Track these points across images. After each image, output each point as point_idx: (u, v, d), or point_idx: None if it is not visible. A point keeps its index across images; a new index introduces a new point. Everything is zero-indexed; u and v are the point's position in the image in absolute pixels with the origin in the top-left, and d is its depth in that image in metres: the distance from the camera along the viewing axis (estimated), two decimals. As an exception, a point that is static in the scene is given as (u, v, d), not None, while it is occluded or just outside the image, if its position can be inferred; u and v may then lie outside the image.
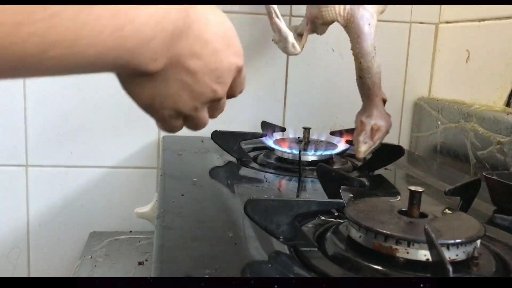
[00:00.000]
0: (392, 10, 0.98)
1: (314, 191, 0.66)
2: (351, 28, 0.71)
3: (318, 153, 0.76)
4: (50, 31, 0.28)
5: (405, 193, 0.45)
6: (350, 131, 0.86)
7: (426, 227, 0.38)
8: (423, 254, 0.39)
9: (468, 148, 0.82)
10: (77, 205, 0.97)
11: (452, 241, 0.40)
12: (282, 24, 0.73)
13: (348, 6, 0.71)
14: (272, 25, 0.74)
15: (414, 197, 0.44)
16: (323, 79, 0.99)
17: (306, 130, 0.82)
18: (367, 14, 0.71)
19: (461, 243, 0.40)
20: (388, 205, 0.47)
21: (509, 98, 0.80)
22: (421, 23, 1.00)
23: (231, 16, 1.00)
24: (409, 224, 0.43)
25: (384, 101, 0.73)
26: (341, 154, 0.81)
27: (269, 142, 0.80)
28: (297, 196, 0.64)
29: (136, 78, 0.43)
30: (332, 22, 0.74)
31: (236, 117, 0.98)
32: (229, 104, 1.08)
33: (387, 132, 0.73)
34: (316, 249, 0.43)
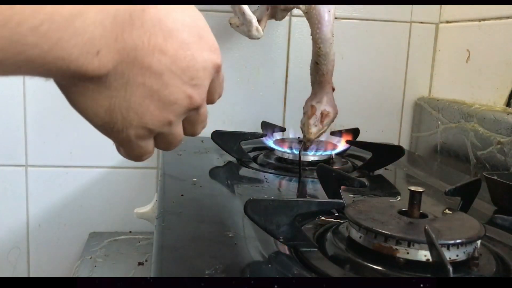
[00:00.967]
0: (392, 10, 0.98)
1: (314, 192, 0.66)
2: (311, 14, 0.72)
3: (318, 153, 0.76)
4: None
5: (405, 193, 0.45)
6: (350, 131, 0.86)
7: (426, 227, 0.38)
8: (423, 255, 0.39)
9: (468, 148, 0.82)
10: (77, 205, 0.97)
11: (452, 242, 0.40)
12: (246, 7, 0.74)
13: None
14: (235, 8, 0.75)
15: (414, 197, 0.44)
16: (323, 79, 0.99)
17: (306, 130, 0.82)
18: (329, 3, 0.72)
19: (461, 244, 0.40)
20: (388, 206, 0.47)
21: (509, 98, 0.80)
22: (421, 23, 1.00)
23: (231, 15, 1.00)
24: (409, 225, 0.43)
25: (333, 90, 0.75)
26: (341, 154, 0.81)
27: (269, 142, 0.80)
28: (297, 197, 0.64)
29: (84, 85, 0.32)
30: (293, 7, 0.76)
31: (236, 117, 0.98)
32: (229, 104, 1.08)
33: (333, 119, 0.75)
34: (316, 249, 0.43)
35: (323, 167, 0.58)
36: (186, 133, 0.39)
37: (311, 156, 0.76)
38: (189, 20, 0.34)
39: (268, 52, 0.97)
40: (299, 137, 0.83)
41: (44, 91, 0.92)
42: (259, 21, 0.76)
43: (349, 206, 0.47)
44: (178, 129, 0.38)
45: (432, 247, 0.37)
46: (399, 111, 1.03)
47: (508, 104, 0.79)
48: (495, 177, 0.59)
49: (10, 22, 0.25)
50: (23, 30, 0.25)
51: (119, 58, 0.31)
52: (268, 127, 0.86)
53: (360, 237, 0.42)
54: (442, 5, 0.99)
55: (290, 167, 0.74)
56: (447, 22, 0.98)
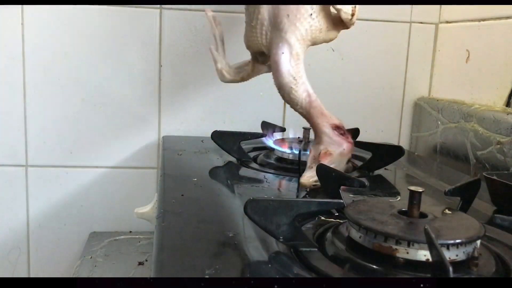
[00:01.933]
0: (392, 10, 0.98)
1: (314, 192, 0.66)
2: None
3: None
4: None
5: (405, 193, 0.45)
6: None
7: (426, 227, 0.38)
8: (423, 254, 0.39)
9: (468, 148, 0.82)
10: (77, 205, 0.97)
11: (452, 241, 0.40)
12: (213, 49, 0.72)
13: (269, 34, 0.66)
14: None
15: (414, 197, 0.44)
16: (323, 79, 0.99)
17: (306, 130, 0.82)
18: (284, 43, 0.64)
19: (461, 243, 0.40)
20: (388, 205, 0.47)
21: (509, 98, 0.80)
22: (421, 23, 1.00)
23: (232, 15, 1.00)
24: (409, 224, 0.43)
25: (336, 126, 0.67)
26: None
27: (269, 142, 0.80)
28: (297, 197, 0.64)
29: None
30: (260, 51, 0.70)
31: (236, 117, 0.98)
32: (229, 104, 1.09)
33: (342, 155, 0.66)
34: (316, 249, 0.43)
35: (323, 167, 0.58)
36: None
37: (311, 156, 0.75)
38: None
39: (268, 52, 0.97)
40: (299, 137, 0.84)
41: (44, 91, 0.92)
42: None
43: (349, 206, 0.47)
44: None
45: (432, 247, 0.37)
46: (399, 111, 1.03)
47: (507, 104, 0.80)
48: (494, 177, 0.59)
49: None
50: None
51: None
52: (268, 127, 0.86)
53: (360, 237, 0.42)
54: (442, 5, 0.99)
55: (290, 167, 0.74)
56: (447, 22, 0.98)
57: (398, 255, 0.40)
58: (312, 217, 0.50)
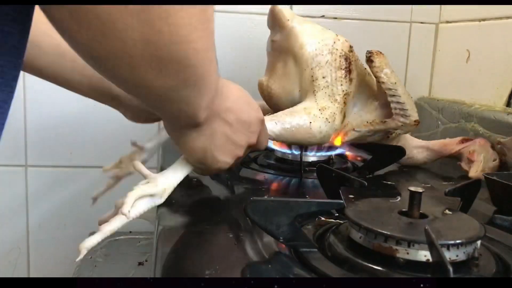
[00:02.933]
0: (392, 10, 0.98)
1: (315, 192, 0.66)
2: None
3: (318, 153, 0.76)
4: None
5: (405, 193, 0.45)
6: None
7: (426, 227, 0.38)
8: (423, 255, 0.39)
9: (468, 148, 0.82)
10: (77, 205, 0.97)
11: (452, 242, 0.40)
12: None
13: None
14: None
15: (414, 197, 0.44)
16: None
17: (306, 130, 0.81)
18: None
19: (461, 244, 0.40)
20: (388, 206, 0.47)
21: (509, 98, 0.80)
22: (421, 23, 1.00)
23: (232, 15, 1.00)
24: (409, 225, 0.43)
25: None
26: (341, 154, 0.81)
27: (269, 142, 0.80)
28: (297, 197, 0.64)
29: (188, 131, 0.50)
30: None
31: (236, 117, 0.98)
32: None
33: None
34: (316, 249, 0.43)
35: (323, 168, 0.58)
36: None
37: (311, 156, 0.76)
38: (241, 94, 0.54)
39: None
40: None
41: (44, 91, 0.92)
42: None
43: (349, 206, 0.46)
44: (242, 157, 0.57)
45: (432, 247, 0.37)
46: (399, 111, 1.03)
47: (508, 104, 0.80)
48: (495, 178, 0.59)
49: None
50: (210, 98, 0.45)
51: (209, 115, 0.48)
52: (268, 127, 0.86)
53: (360, 237, 0.42)
54: (442, 5, 0.99)
55: (290, 168, 0.74)
56: (447, 22, 0.98)
57: (398, 255, 0.40)
58: (312, 218, 0.50)
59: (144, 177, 0.55)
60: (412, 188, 0.44)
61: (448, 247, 0.39)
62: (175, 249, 0.44)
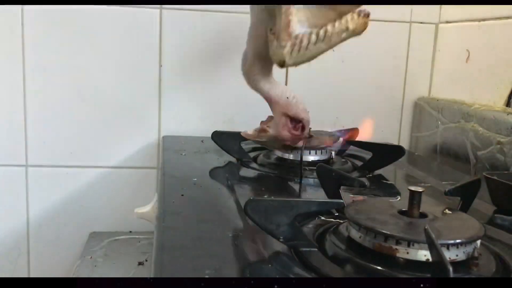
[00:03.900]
0: (392, 10, 0.98)
1: (314, 191, 0.66)
2: None
3: (318, 153, 0.76)
4: None
5: (405, 193, 0.45)
6: (349, 131, 0.86)
7: (426, 227, 0.38)
8: (423, 254, 0.39)
9: (468, 148, 0.82)
10: (77, 205, 0.97)
11: (452, 241, 0.40)
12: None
13: None
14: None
15: (414, 197, 0.44)
16: (323, 79, 0.99)
17: (306, 130, 0.81)
18: None
19: (461, 243, 0.40)
20: (388, 205, 0.47)
21: (509, 98, 0.80)
22: (421, 23, 1.00)
23: (232, 15, 1.00)
24: (409, 224, 0.43)
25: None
26: (341, 154, 0.81)
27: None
28: (297, 197, 0.64)
29: None
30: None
31: (236, 117, 0.98)
32: (229, 104, 1.09)
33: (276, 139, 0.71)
34: (316, 249, 0.43)
35: (322, 167, 0.58)
36: None
37: (311, 156, 0.76)
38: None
39: (268, 52, 0.97)
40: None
41: (44, 91, 0.92)
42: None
43: (349, 206, 0.47)
44: None
45: (432, 247, 0.37)
46: (399, 111, 1.03)
47: (508, 104, 0.80)
48: (495, 177, 0.59)
49: None
50: None
51: None
52: (268, 127, 0.86)
53: (360, 237, 0.42)
54: (442, 5, 0.99)
55: (290, 167, 0.74)
56: (447, 22, 0.98)
57: (398, 255, 0.40)
58: (312, 217, 0.50)
59: None
60: (412, 188, 0.44)
61: (448, 246, 0.39)
62: (175, 249, 0.44)
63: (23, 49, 0.91)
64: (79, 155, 0.96)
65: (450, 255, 0.39)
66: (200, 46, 0.95)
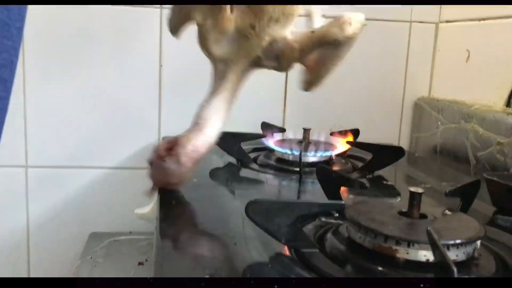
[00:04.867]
0: (392, 10, 0.98)
1: (315, 192, 0.66)
2: None
3: (318, 154, 0.76)
4: None
5: (405, 194, 0.45)
6: (350, 132, 0.86)
7: (429, 228, 0.38)
8: (423, 255, 0.39)
9: (468, 148, 0.82)
10: (77, 205, 0.97)
11: (452, 242, 0.40)
12: None
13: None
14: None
15: (414, 198, 0.44)
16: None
17: (306, 130, 0.82)
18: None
19: (461, 244, 0.40)
20: (388, 206, 0.47)
21: (509, 99, 0.80)
22: (421, 22, 1.00)
23: (231, 16, 0.99)
24: (409, 225, 0.43)
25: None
26: (341, 155, 0.81)
27: (269, 143, 0.80)
28: (298, 198, 0.64)
29: None
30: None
31: (236, 117, 0.98)
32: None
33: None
34: (316, 250, 0.43)
35: (323, 168, 0.58)
36: None
37: (311, 157, 0.76)
38: None
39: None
40: (299, 138, 0.84)
41: (44, 91, 0.92)
42: None
43: (349, 207, 0.47)
44: None
45: (435, 248, 0.37)
46: (399, 112, 1.03)
47: (508, 105, 0.80)
48: (495, 178, 0.59)
49: None
50: None
51: None
52: (268, 128, 0.86)
53: (360, 238, 0.42)
54: (442, 5, 0.99)
55: (291, 168, 0.74)
56: (447, 21, 0.98)
57: (398, 255, 0.40)
58: (312, 218, 0.50)
59: None
60: (412, 189, 0.44)
61: (448, 247, 0.40)
62: (175, 249, 0.44)
63: (23, 49, 0.91)
64: (79, 155, 0.96)
65: (450, 255, 0.39)
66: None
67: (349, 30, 0.54)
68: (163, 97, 0.96)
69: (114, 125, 0.95)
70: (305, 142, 0.81)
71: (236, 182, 0.69)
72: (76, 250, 0.95)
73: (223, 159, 0.78)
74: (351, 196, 0.60)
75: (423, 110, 0.98)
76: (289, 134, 0.87)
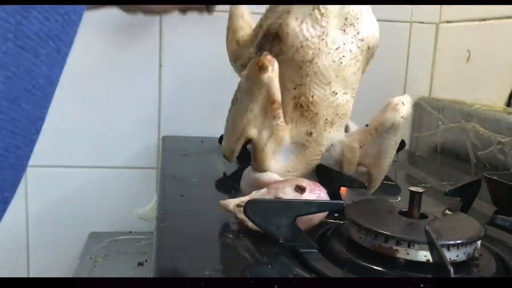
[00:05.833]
0: (392, 10, 0.98)
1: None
2: None
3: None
4: None
5: (406, 193, 0.45)
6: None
7: (427, 228, 0.38)
8: (424, 255, 0.39)
9: (468, 148, 0.82)
10: (77, 205, 0.97)
11: (452, 242, 0.40)
12: None
13: None
14: None
15: (415, 197, 0.44)
16: (323, 79, 0.99)
17: (306, 130, 0.81)
18: None
19: (461, 244, 0.40)
20: (388, 206, 0.47)
21: (509, 98, 0.80)
22: (421, 22, 1.00)
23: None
24: (409, 225, 0.43)
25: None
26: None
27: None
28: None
29: None
30: None
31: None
32: (229, 104, 1.09)
33: None
34: (316, 250, 0.43)
35: (323, 168, 0.58)
36: None
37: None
38: None
39: (268, 52, 0.96)
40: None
41: (44, 91, 0.92)
42: None
43: (349, 206, 0.46)
44: None
45: (432, 247, 0.37)
46: (399, 111, 1.03)
47: (508, 104, 0.79)
48: (495, 178, 0.59)
49: None
50: None
51: None
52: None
53: (360, 238, 0.42)
54: (442, 5, 0.99)
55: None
56: (447, 22, 0.98)
57: (398, 255, 0.40)
58: (312, 218, 0.50)
59: None
60: (412, 188, 0.44)
61: (448, 247, 0.39)
62: (175, 249, 0.44)
63: (23, 49, 0.91)
64: (79, 155, 0.95)
65: (450, 255, 0.39)
66: (200, 46, 0.95)
67: (404, 110, 0.55)
68: (163, 97, 0.96)
69: (114, 125, 0.95)
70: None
71: (236, 181, 0.68)
72: (75, 250, 0.95)
73: (223, 159, 0.78)
74: (351, 196, 0.60)
75: (424, 110, 0.98)
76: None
